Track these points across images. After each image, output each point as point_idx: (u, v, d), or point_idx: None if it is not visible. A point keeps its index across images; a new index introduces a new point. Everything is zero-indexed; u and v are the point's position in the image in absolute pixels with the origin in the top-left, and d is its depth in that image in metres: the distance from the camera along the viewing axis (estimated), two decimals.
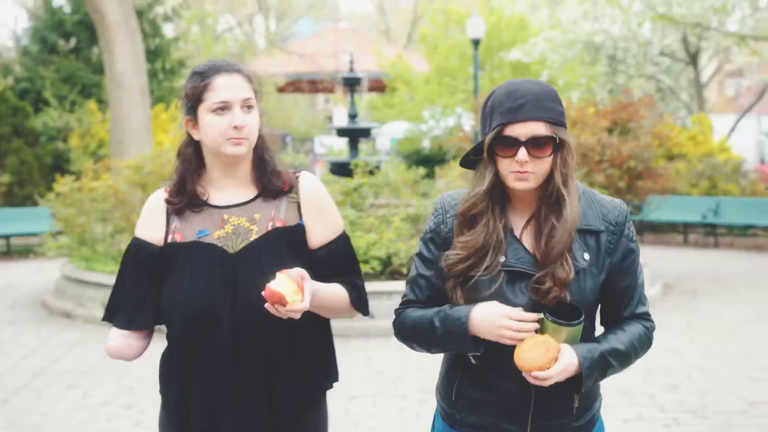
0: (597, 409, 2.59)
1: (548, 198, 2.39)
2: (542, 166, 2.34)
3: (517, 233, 2.44)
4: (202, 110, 2.61)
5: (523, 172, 2.33)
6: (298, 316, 2.45)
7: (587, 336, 2.45)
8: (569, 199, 2.36)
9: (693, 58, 22.36)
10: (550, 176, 2.37)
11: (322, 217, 2.68)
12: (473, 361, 2.48)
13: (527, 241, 2.43)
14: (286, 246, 2.61)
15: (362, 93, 17.69)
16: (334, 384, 2.79)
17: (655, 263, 11.72)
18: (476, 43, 20.22)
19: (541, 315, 2.33)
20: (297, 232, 2.64)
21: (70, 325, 9.65)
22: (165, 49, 24.39)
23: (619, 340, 2.43)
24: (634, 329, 2.47)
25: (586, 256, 2.40)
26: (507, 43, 24.32)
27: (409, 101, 26.66)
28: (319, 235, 2.66)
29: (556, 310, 2.34)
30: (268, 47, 34.26)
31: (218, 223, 2.63)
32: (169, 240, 2.63)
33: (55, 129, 21.50)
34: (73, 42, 23.98)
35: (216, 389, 2.58)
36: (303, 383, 2.65)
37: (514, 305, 2.37)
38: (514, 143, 2.32)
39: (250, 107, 2.62)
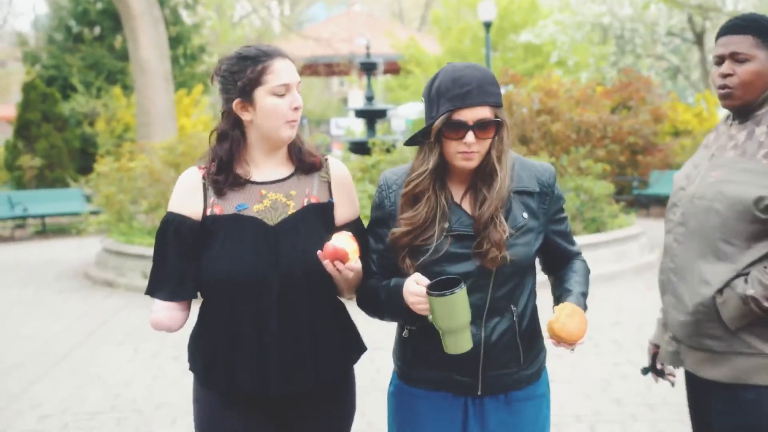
0: (543, 359, 2.78)
1: (482, 170, 2.58)
2: (485, 145, 2.52)
3: (458, 200, 2.63)
4: (261, 92, 2.67)
5: (469, 152, 2.50)
6: (351, 275, 2.61)
7: (531, 300, 2.70)
8: (500, 173, 2.55)
9: (699, 38, 22.90)
10: (487, 152, 2.56)
11: (348, 198, 2.85)
12: (404, 334, 2.72)
13: (467, 207, 2.62)
14: (320, 221, 2.74)
15: (378, 76, 18.33)
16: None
17: (660, 233, 12.42)
18: (488, 25, 20.76)
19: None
20: (328, 208, 2.79)
21: (114, 293, 10.54)
22: (186, 36, 25.12)
23: (584, 282, 2.73)
24: (581, 267, 2.79)
25: (525, 214, 2.60)
26: (518, 25, 24.85)
27: (423, 83, 27.21)
28: (345, 213, 2.82)
29: (441, 283, 2.47)
30: (284, 32, 34.84)
31: (257, 198, 2.72)
32: (208, 213, 2.70)
33: (83, 114, 22.32)
34: (97, 30, 24.74)
35: (267, 354, 2.65)
36: (341, 350, 2.80)
37: (462, 268, 2.56)
38: (462, 127, 2.48)
39: (298, 90, 2.78)
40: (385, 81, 32.72)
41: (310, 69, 31.92)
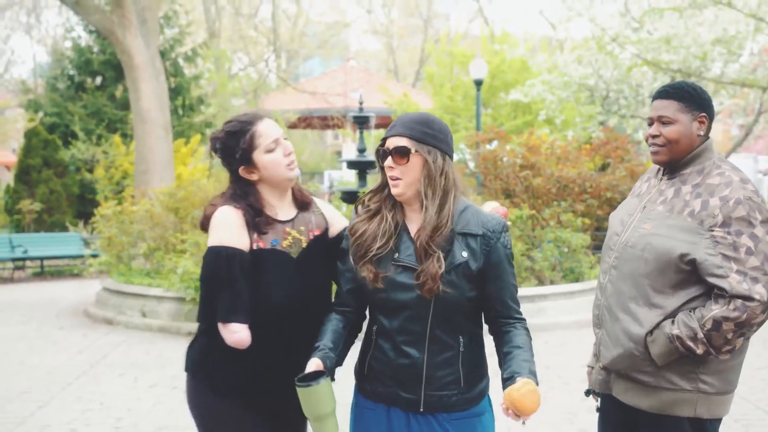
0: (484, 385, 3.03)
1: (420, 204, 2.91)
2: (408, 173, 2.87)
3: (412, 234, 2.95)
4: (258, 154, 3.14)
5: (394, 178, 2.88)
6: None
7: (473, 329, 2.98)
8: (428, 204, 2.87)
9: None
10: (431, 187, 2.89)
11: (337, 217, 3.37)
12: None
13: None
14: (324, 246, 3.24)
15: (371, 129, 18.91)
16: None
17: None
18: (479, 83, 21.44)
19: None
20: (326, 233, 3.29)
21: (113, 330, 11.04)
22: (185, 87, 25.82)
23: (532, 360, 2.88)
24: (526, 341, 2.94)
25: (464, 253, 2.87)
26: (509, 84, 25.53)
27: None
28: (338, 226, 3.32)
29: (312, 375, 2.81)
30: (280, 85, 35.53)
31: (283, 234, 3.17)
32: (255, 247, 3.09)
33: (82, 161, 22.91)
34: (99, 80, 25.44)
35: (294, 366, 3.00)
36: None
37: (404, 297, 2.87)
38: (385, 153, 2.90)
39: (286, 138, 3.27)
40: (377, 135, 33.35)
41: (305, 122, 32.55)
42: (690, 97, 3.13)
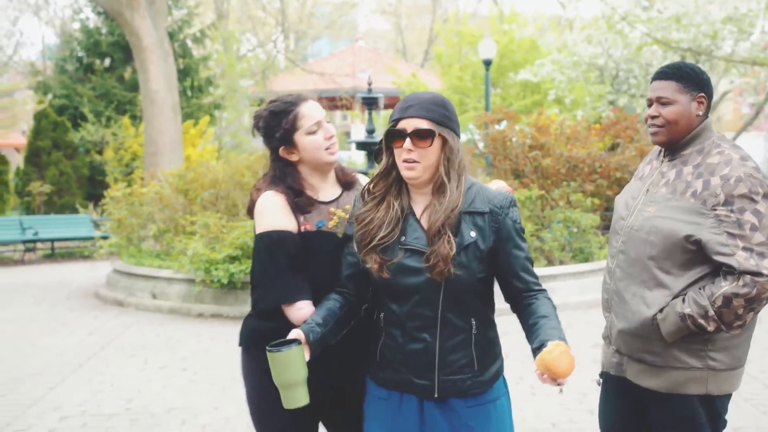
0: (498, 366, 2.98)
1: (435, 186, 2.84)
2: (427, 157, 2.79)
3: (418, 217, 2.88)
4: (300, 135, 3.16)
5: (410, 161, 2.78)
6: None
7: (485, 311, 2.90)
8: (449, 186, 2.81)
9: None
10: (437, 169, 2.83)
11: None
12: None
13: (425, 223, 2.85)
14: None
15: (379, 110, 18.88)
16: None
17: None
18: (488, 63, 21.35)
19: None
20: None
21: (124, 312, 11.10)
22: (194, 69, 25.82)
23: (559, 327, 2.78)
24: (551, 310, 2.84)
25: (473, 233, 2.80)
26: (518, 64, 25.43)
27: None
28: None
29: (285, 343, 2.74)
30: (288, 66, 35.47)
31: (328, 215, 3.17)
32: (302, 230, 3.10)
33: (92, 143, 22.97)
34: (107, 61, 25.46)
35: (340, 344, 3.04)
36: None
37: (413, 281, 2.80)
38: (402, 135, 2.78)
39: (329, 121, 3.25)
40: (386, 115, 33.30)
41: None
42: (688, 77, 3.15)
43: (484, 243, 2.81)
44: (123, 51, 24.26)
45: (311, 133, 3.15)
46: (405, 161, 2.79)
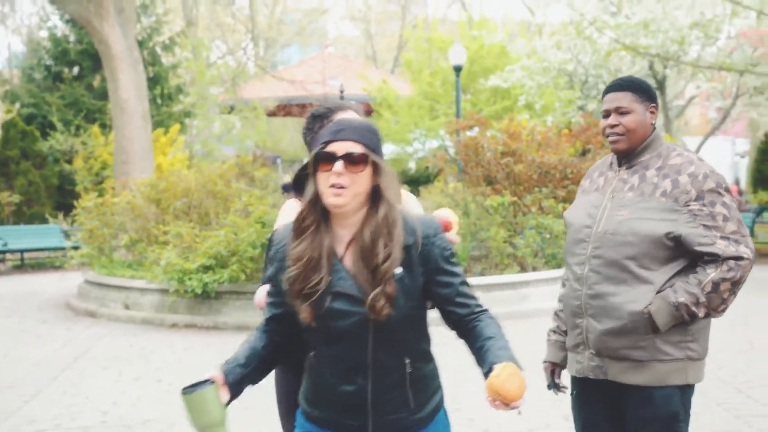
0: (438, 400, 2.81)
1: (378, 220, 2.60)
2: (357, 183, 2.57)
3: (340, 255, 2.64)
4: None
5: (338, 186, 2.54)
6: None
7: (419, 347, 2.72)
8: (398, 221, 2.61)
9: (660, 85, 23.75)
10: (378, 200, 2.62)
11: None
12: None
13: (349, 262, 2.62)
14: None
15: None
16: None
17: None
18: (458, 69, 21.45)
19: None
20: None
21: (96, 323, 11.04)
22: (163, 77, 25.73)
23: (507, 347, 2.62)
24: (496, 331, 2.68)
25: (398, 270, 2.59)
26: (488, 70, 25.57)
27: (394, 124, 27.73)
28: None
29: (199, 384, 2.54)
30: (258, 73, 35.42)
31: None
32: None
33: (61, 152, 22.81)
34: (76, 70, 25.30)
35: None
36: None
37: (342, 325, 2.59)
38: (332, 158, 2.55)
39: None
40: None
41: (284, 110, 32.47)
42: (641, 89, 3.36)
43: (412, 277, 2.62)
44: (92, 59, 24.13)
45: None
46: (332, 186, 2.55)
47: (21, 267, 18.03)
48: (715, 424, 6.13)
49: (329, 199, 2.56)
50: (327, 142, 2.59)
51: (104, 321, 11.13)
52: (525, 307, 10.67)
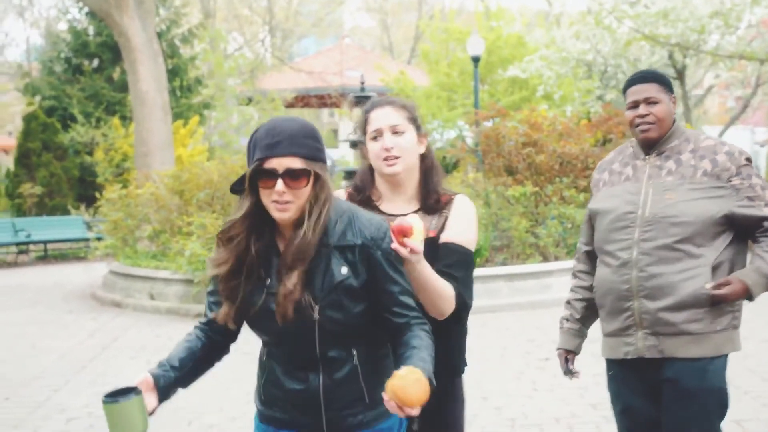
0: None
1: (297, 224, 2.54)
2: (301, 197, 2.49)
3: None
4: (367, 139, 3.07)
5: (283, 202, 2.47)
6: (408, 255, 2.67)
7: (372, 341, 2.65)
8: (306, 224, 2.50)
9: (680, 74, 23.64)
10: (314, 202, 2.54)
11: (457, 226, 3.01)
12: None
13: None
14: (433, 252, 2.93)
15: None
16: None
17: None
18: (476, 60, 21.43)
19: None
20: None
21: (122, 313, 11.15)
22: (182, 68, 25.82)
23: (428, 359, 2.52)
24: (422, 342, 2.57)
25: (344, 270, 2.54)
26: (506, 60, 25.52)
27: None
28: (446, 234, 2.99)
29: (122, 392, 2.40)
30: (276, 64, 35.46)
31: None
32: None
33: (82, 144, 22.94)
34: (96, 62, 25.42)
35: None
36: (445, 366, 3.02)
37: (286, 324, 2.52)
38: (272, 175, 2.45)
39: (398, 132, 3.01)
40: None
41: (302, 101, 32.55)
42: (664, 80, 3.52)
43: (357, 279, 2.56)
44: (111, 51, 24.24)
45: (372, 139, 3.06)
46: (276, 202, 2.49)
47: (44, 258, 18.17)
48: (744, 412, 6.15)
49: (276, 214, 2.51)
50: (263, 159, 2.46)
51: (130, 311, 11.24)
52: (547, 297, 10.69)
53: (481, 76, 24.72)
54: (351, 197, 3.10)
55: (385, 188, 3.10)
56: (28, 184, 20.91)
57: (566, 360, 3.78)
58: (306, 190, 2.49)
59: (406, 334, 2.60)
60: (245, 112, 29.36)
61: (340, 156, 26.44)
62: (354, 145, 15.32)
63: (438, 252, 2.94)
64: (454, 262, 2.93)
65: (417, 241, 2.67)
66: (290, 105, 30.84)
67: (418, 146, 3.08)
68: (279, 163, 2.44)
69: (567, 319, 3.82)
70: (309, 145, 2.49)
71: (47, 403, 6.99)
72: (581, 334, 3.79)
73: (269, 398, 2.71)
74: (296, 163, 2.45)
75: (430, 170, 3.11)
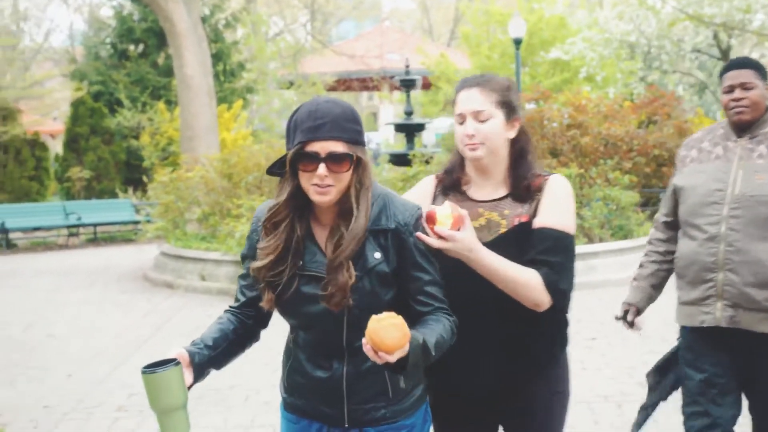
0: (420, 393, 2.69)
1: (341, 209, 2.50)
2: (342, 180, 2.45)
3: (318, 240, 2.55)
4: (455, 122, 2.94)
5: (323, 186, 2.43)
6: (434, 243, 2.60)
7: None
8: (357, 213, 2.47)
9: (725, 54, 23.46)
10: (347, 190, 2.49)
11: (551, 208, 2.85)
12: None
13: (325, 246, 2.53)
14: (528, 235, 2.82)
15: (417, 91, 19.03)
16: None
17: None
18: (518, 42, 21.41)
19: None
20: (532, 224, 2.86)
21: (174, 294, 11.41)
22: (226, 53, 26.04)
23: (437, 332, 2.47)
24: (444, 323, 2.54)
25: (377, 255, 2.50)
26: (548, 42, 25.46)
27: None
28: (540, 219, 2.84)
29: (162, 363, 2.42)
30: (316, 48, 35.60)
31: (475, 214, 2.87)
32: None
33: (128, 128, 23.29)
34: (141, 47, 25.74)
35: (484, 359, 2.88)
36: (532, 355, 2.99)
37: (313, 309, 2.50)
38: (314, 159, 2.40)
39: (482, 120, 2.86)
40: (414, 96, 33.40)
41: (344, 84, 32.70)
42: (759, 67, 3.65)
43: (389, 264, 2.53)
44: (156, 37, 24.54)
45: (458, 123, 2.92)
46: (317, 185, 2.44)
47: (94, 240, 18.53)
48: None
49: (316, 197, 2.47)
50: (306, 141, 2.42)
51: (181, 292, 11.50)
52: (592, 278, 10.76)
53: (522, 58, 24.69)
54: (441, 180, 3.03)
55: (472, 173, 2.98)
56: (76, 168, 21.30)
57: (628, 312, 4.00)
58: (347, 175, 2.45)
59: (426, 317, 2.56)
60: (286, 96, 29.57)
61: (383, 139, 26.53)
62: (402, 128, 15.44)
63: (531, 238, 2.80)
64: (549, 247, 2.78)
65: (443, 228, 2.59)
66: (332, 88, 30.98)
67: (506, 131, 2.91)
68: (322, 147, 2.40)
69: (636, 279, 4.03)
70: (351, 128, 2.46)
71: (109, 379, 7.23)
72: (647, 294, 4.00)
73: (292, 385, 2.69)
74: (339, 147, 2.42)
75: (520, 155, 2.95)
